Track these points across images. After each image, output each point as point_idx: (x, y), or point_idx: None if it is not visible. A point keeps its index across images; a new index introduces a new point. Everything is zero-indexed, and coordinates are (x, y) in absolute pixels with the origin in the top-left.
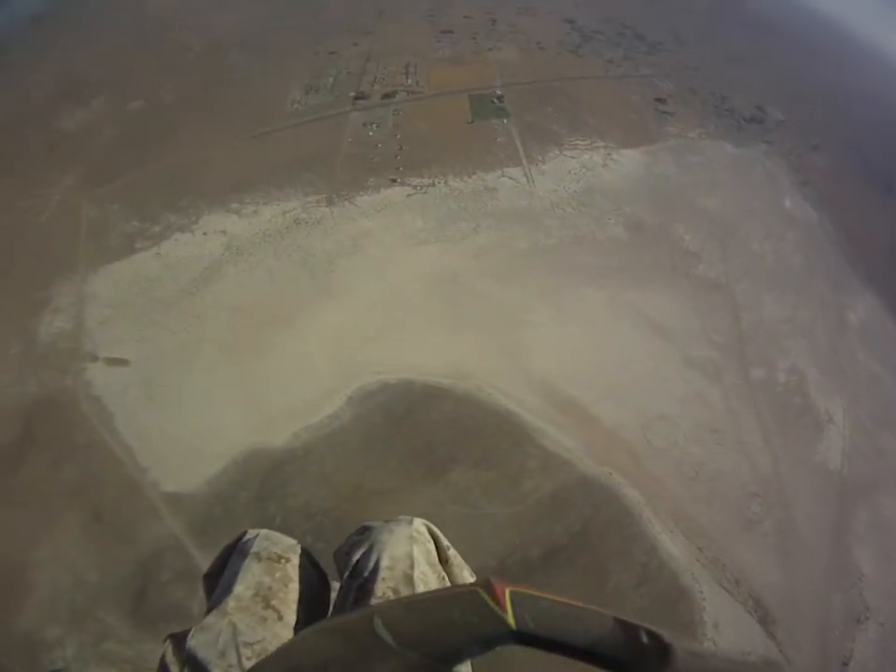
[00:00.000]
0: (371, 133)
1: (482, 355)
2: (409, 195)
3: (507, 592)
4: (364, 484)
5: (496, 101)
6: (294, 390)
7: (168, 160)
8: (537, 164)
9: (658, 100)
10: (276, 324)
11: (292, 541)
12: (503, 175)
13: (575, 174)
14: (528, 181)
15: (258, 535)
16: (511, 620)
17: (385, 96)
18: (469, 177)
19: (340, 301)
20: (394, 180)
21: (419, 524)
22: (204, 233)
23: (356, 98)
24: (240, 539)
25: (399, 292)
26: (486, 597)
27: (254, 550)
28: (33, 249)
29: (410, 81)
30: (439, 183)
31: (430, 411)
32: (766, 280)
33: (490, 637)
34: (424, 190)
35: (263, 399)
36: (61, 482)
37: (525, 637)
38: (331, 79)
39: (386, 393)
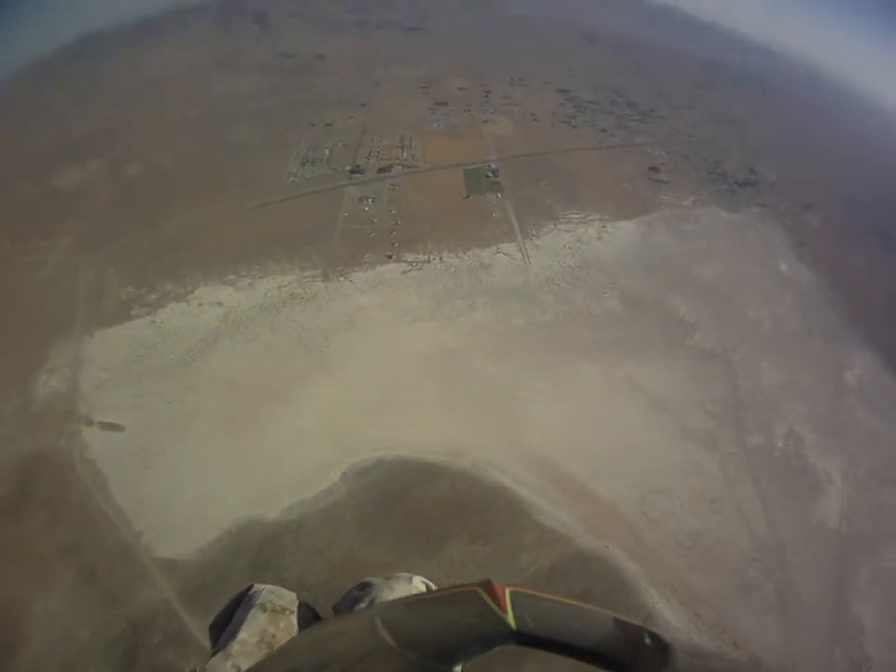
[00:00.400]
0: (366, 208)
1: (477, 432)
2: (404, 272)
3: (507, 592)
4: (359, 559)
5: (490, 175)
6: (289, 464)
7: (164, 226)
8: (532, 239)
9: (652, 168)
10: (272, 398)
11: (295, 596)
12: (498, 251)
13: (570, 248)
14: (524, 257)
15: (264, 589)
16: (511, 620)
17: (381, 170)
18: (465, 253)
19: (335, 378)
20: (389, 256)
21: (418, 581)
22: (200, 304)
23: (352, 172)
24: (246, 591)
25: (395, 370)
26: (486, 598)
27: (260, 601)
28: (31, 307)
29: (405, 155)
30: (434, 259)
31: (426, 487)
32: (764, 346)
33: (490, 637)
34: (419, 267)
35: (258, 472)
36: (55, 539)
37: (525, 637)
38: (328, 152)
39: (382, 470)
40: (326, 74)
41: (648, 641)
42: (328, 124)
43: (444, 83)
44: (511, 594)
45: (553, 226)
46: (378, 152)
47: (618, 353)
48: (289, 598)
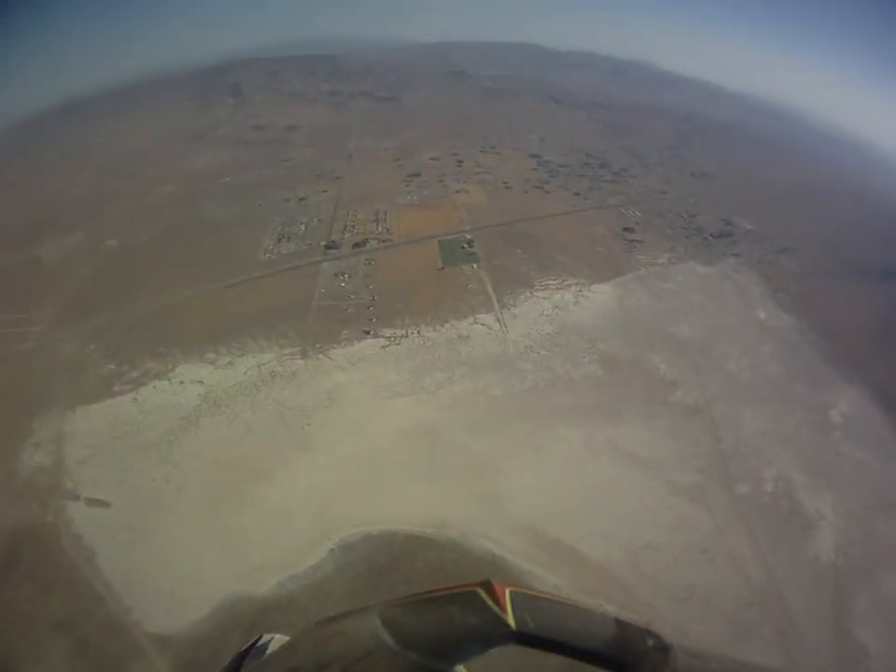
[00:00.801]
0: (342, 284)
1: (462, 503)
2: (382, 347)
3: (507, 592)
4: None
5: (465, 246)
6: (275, 541)
7: (143, 303)
8: (509, 308)
9: (626, 229)
10: (256, 477)
11: None
12: (476, 322)
13: (547, 315)
14: (501, 326)
15: (272, 639)
16: (510, 620)
17: (356, 245)
18: (442, 326)
19: (317, 456)
20: (367, 332)
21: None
22: (181, 382)
23: (327, 247)
24: (254, 643)
25: (376, 446)
26: (486, 598)
27: (270, 651)
28: (14, 378)
29: (380, 229)
30: (412, 333)
31: (414, 560)
32: (745, 396)
33: (490, 637)
34: (397, 342)
35: (245, 550)
36: (45, 613)
37: (525, 638)
38: (303, 227)
39: (369, 544)
40: (299, 146)
41: (649, 642)
42: (302, 199)
43: (417, 154)
44: (511, 594)
45: (529, 294)
46: (353, 226)
47: (599, 416)
48: None
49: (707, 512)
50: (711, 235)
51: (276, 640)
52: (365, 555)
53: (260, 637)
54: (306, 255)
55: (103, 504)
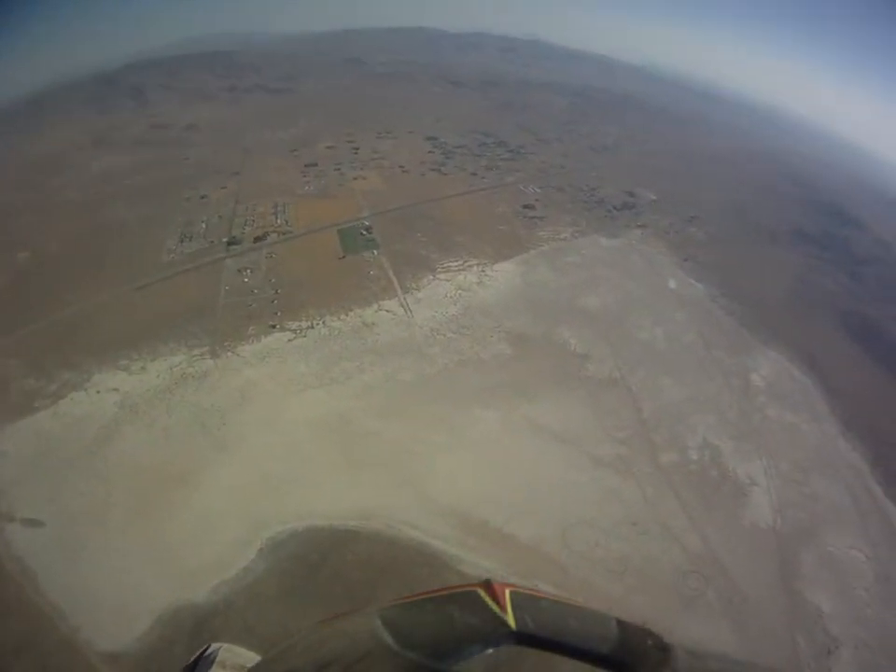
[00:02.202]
0: (246, 280)
1: (384, 492)
2: (289, 340)
3: (507, 592)
4: (292, 630)
5: (364, 233)
6: (206, 546)
7: (57, 314)
8: (412, 293)
9: (526, 206)
10: (179, 482)
11: (252, 654)
12: (380, 309)
13: (451, 296)
14: (406, 311)
15: (221, 647)
16: (511, 620)
17: (257, 239)
18: (347, 315)
19: (236, 455)
20: (273, 326)
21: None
22: (98, 391)
23: (229, 243)
24: (203, 652)
25: (292, 440)
26: (486, 598)
27: (219, 659)
28: None
29: (279, 221)
30: (317, 324)
31: (343, 553)
32: (661, 365)
33: (490, 637)
34: (303, 334)
35: (178, 556)
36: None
37: (525, 638)
38: (204, 225)
39: (297, 541)
40: (198, 144)
41: (649, 642)
42: (202, 196)
43: (313, 143)
44: (511, 594)
45: (432, 277)
46: (253, 221)
47: (513, 394)
48: (247, 656)
49: (635, 484)
50: (614, 207)
51: (224, 649)
52: (294, 553)
53: (208, 647)
54: (209, 253)
55: (38, 523)
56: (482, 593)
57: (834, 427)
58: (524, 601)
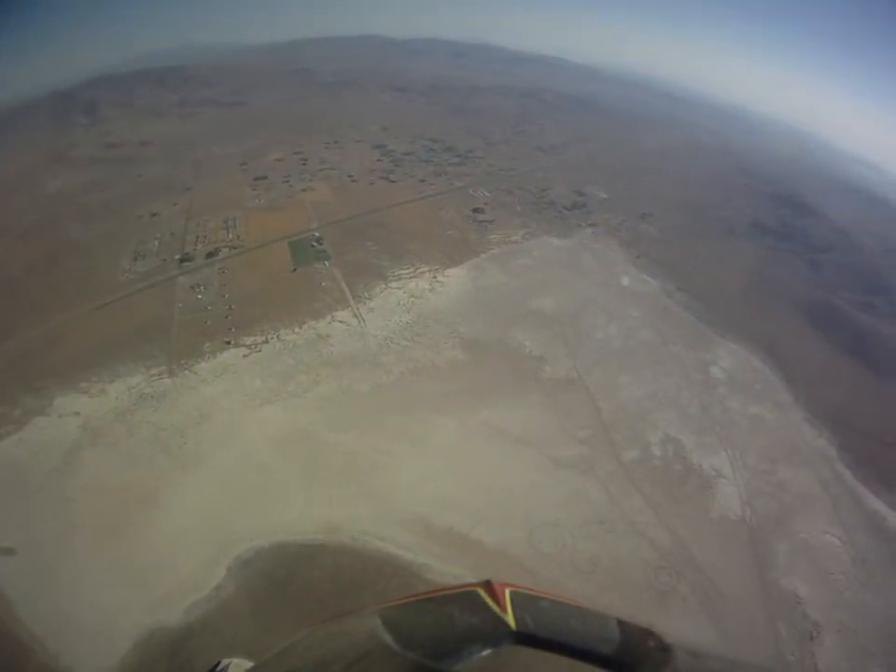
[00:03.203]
0: (199, 296)
1: (347, 504)
2: (245, 356)
3: (507, 592)
4: (269, 646)
5: (315, 244)
6: (175, 566)
7: (17, 338)
8: (364, 302)
9: (476, 210)
10: (143, 503)
11: None
12: (333, 320)
13: (404, 304)
14: (359, 321)
15: (231, 662)
16: (511, 620)
17: (209, 255)
18: (300, 328)
19: (198, 474)
20: (228, 342)
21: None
22: (60, 416)
23: (181, 260)
24: (215, 667)
25: (252, 456)
26: (486, 598)
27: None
28: None
29: (230, 235)
30: (272, 339)
31: (311, 568)
32: (619, 363)
33: (490, 637)
34: (258, 349)
35: (148, 578)
36: None
37: (525, 638)
38: (157, 243)
39: (263, 558)
40: (150, 161)
41: (649, 642)
42: (154, 214)
43: (262, 156)
44: (511, 594)
45: (384, 285)
46: (204, 237)
47: (470, 400)
48: None
49: (598, 483)
50: (564, 208)
51: (234, 665)
52: (262, 570)
53: (219, 663)
54: (162, 270)
55: (9, 552)
56: (482, 592)
57: (799, 415)
58: (524, 601)
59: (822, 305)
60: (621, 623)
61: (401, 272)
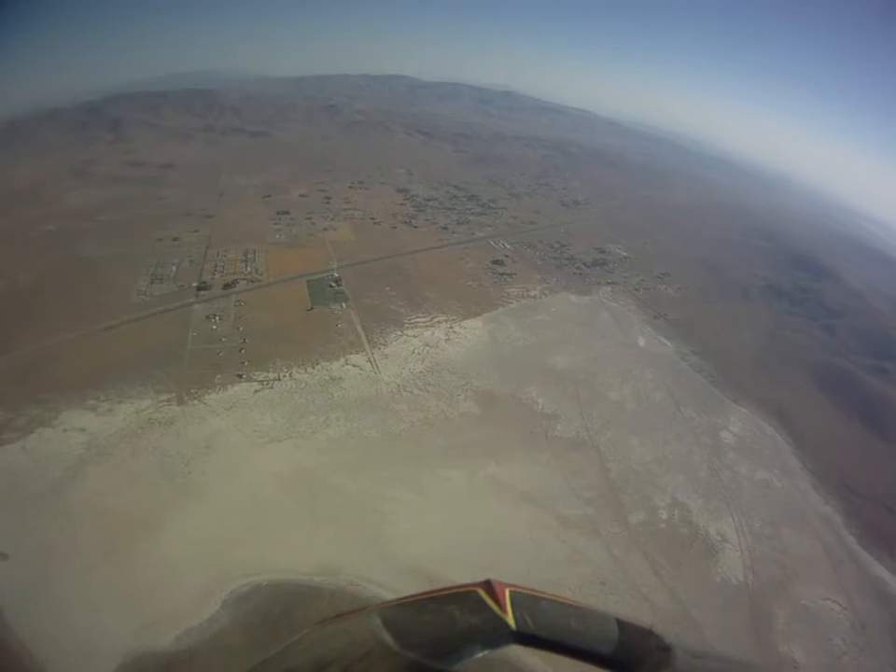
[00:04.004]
0: (214, 327)
1: (347, 549)
2: (256, 391)
3: (507, 592)
4: None
5: (334, 285)
6: (169, 593)
7: (27, 347)
8: (379, 348)
9: (496, 262)
10: (143, 528)
11: None
12: (347, 363)
13: (419, 353)
14: (373, 367)
15: None
16: (510, 620)
17: (227, 286)
18: (314, 368)
19: (200, 504)
20: (240, 376)
21: None
22: (65, 430)
23: (198, 288)
24: None
25: (256, 493)
26: (486, 598)
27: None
28: None
29: (249, 269)
30: (284, 376)
31: (306, 609)
32: (630, 425)
33: (490, 637)
34: (270, 385)
35: (140, 602)
36: None
37: (525, 638)
38: (174, 268)
39: (260, 595)
40: (173, 184)
41: (649, 642)
42: (175, 239)
43: (285, 190)
44: (511, 593)
45: (399, 332)
46: (223, 267)
47: (479, 454)
48: None
49: (602, 544)
50: (584, 264)
51: None
52: (258, 606)
53: None
54: (178, 296)
55: (2, 556)
56: (482, 592)
57: (806, 480)
58: (524, 601)
59: (834, 370)
60: (621, 623)
61: (418, 319)
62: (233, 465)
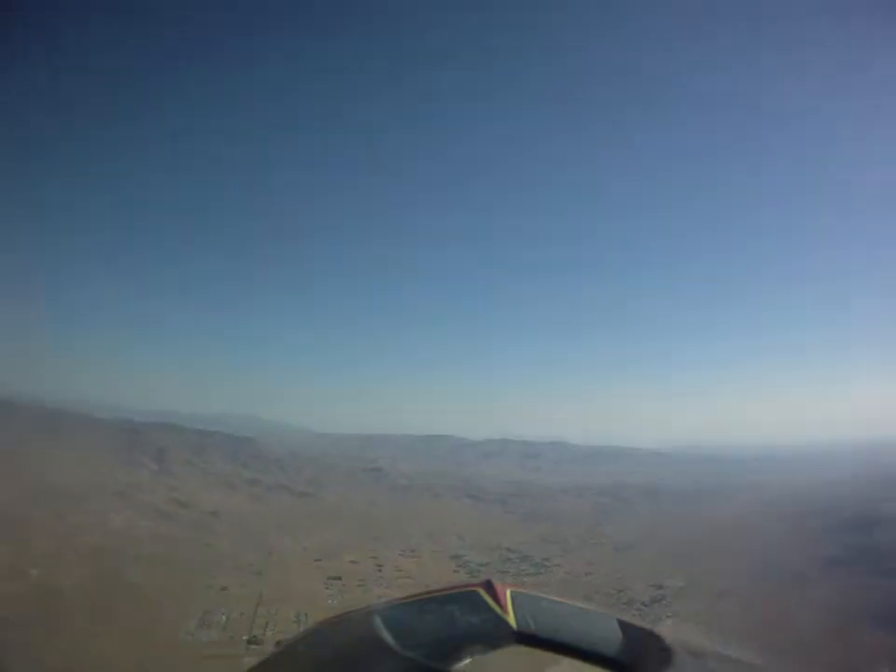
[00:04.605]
0: None
1: None
2: None
3: (508, 592)
4: None
5: None
6: None
7: (56, 655)
8: None
9: None
10: None
11: None
12: None
13: None
14: None
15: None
16: (512, 620)
17: (279, 643)
18: None
19: None
20: None
21: None
22: None
23: (249, 642)
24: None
25: None
26: (487, 598)
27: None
28: None
29: (302, 630)
30: None
31: None
32: None
33: (491, 637)
34: None
35: None
36: None
37: (526, 638)
38: (224, 617)
39: None
40: (220, 534)
41: (650, 643)
42: (223, 588)
43: (336, 555)
44: (512, 594)
45: None
46: (275, 625)
47: None
48: None
49: None
50: (643, 604)
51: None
52: None
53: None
54: (228, 645)
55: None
56: (482, 593)
57: None
58: (525, 601)
59: None
60: (622, 623)
61: None
62: None
